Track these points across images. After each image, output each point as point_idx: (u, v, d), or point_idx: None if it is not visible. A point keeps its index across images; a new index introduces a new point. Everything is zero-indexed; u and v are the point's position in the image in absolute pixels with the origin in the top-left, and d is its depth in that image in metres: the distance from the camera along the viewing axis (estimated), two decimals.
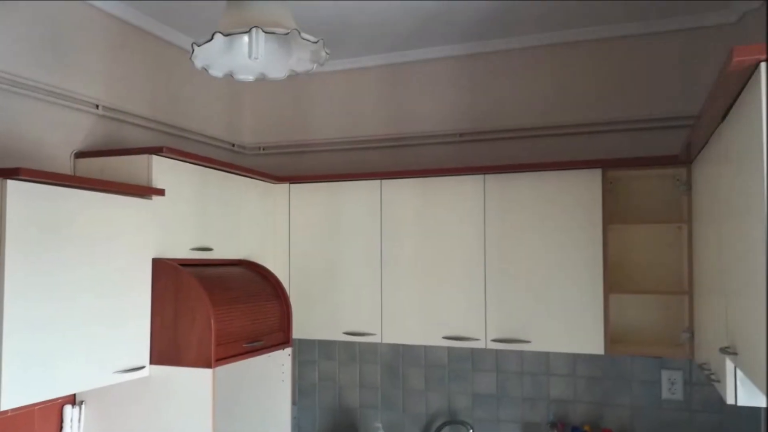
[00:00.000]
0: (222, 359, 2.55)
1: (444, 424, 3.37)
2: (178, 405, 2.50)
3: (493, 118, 3.46)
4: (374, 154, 3.70)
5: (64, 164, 2.67)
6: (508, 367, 3.35)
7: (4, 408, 1.97)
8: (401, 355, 3.57)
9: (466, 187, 3.11)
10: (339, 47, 3.50)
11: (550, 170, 2.98)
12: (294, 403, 3.70)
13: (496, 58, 3.47)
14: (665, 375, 3.08)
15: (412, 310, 3.18)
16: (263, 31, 1.77)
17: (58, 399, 2.55)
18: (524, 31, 3.31)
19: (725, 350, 1.86)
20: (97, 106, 2.83)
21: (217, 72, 1.97)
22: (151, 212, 2.57)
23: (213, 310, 2.49)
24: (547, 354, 3.28)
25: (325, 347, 3.73)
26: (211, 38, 1.77)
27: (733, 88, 1.62)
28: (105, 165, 2.66)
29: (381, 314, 3.23)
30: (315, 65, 1.96)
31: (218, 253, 2.96)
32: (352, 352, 3.67)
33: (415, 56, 3.60)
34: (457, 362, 3.45)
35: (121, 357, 2.42)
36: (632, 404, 3.13)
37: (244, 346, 2.72)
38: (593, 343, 2.87)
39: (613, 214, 2.96)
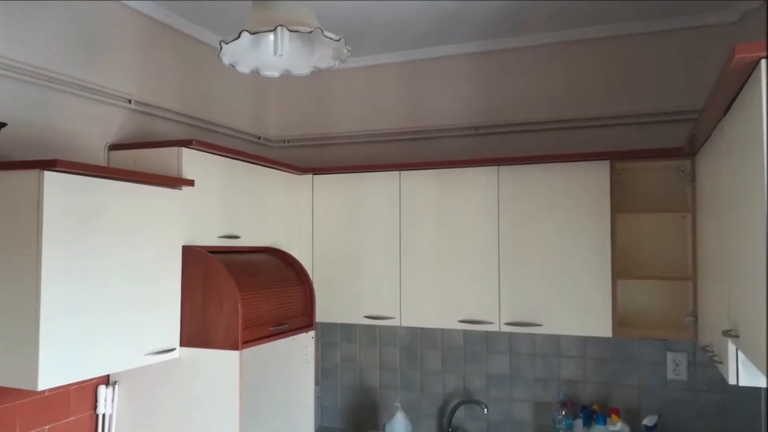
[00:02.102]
0: (248, 342, 2.58)
1: (459, 404, 3.42)
2: (207, 385, 2.54)
3: (507, 112, 3.49)
4: (393, 146, 3.74)
5: (99, 156, 2.72)
6: (520, 349, 3.39)
7: (41, 388, 2.00)
8: (419, 338, 3.61)
9: (481, 178, 3.15)
10: (360, 45, 3.53)
11: (561, 162, 3.02)
12: (317, 383, 3.72)
13: (509, 55, 3.50)
14: (670, 357, 3.12)
15: (429, 295, 3.22)
16: (288, 30, 1.81)
17: (92, 379, 2.61)
18: (535, 30, 3.35)
19: (727, 333, 1.87)
20: (130, 101, 2.88)
21: (244, 68, 2.01)
22: (181, 202, 2.60)
23: (240, 295, 2.52)
24: (557, 337, 3.32)
25: (347, 330, 3.78)
26: (239, 36, 1.81)
27: (735, 84, 1.64)
28: (137, 157, 2.70)
29: (400, 299, 3.28)
30: (337, 62, 2.00)
31: (245, 241, 2.99)
32: (373, 335, 3.72)
33: (433, 54, 3.63)
34: (473, 345, 3.49)
35: (153, 340, 2.46)
36: (639, 384, 3.17)
37: (269, 329, 2.75)
38: (602, 327, 2.91)
39: (620, 204, 2.98)
